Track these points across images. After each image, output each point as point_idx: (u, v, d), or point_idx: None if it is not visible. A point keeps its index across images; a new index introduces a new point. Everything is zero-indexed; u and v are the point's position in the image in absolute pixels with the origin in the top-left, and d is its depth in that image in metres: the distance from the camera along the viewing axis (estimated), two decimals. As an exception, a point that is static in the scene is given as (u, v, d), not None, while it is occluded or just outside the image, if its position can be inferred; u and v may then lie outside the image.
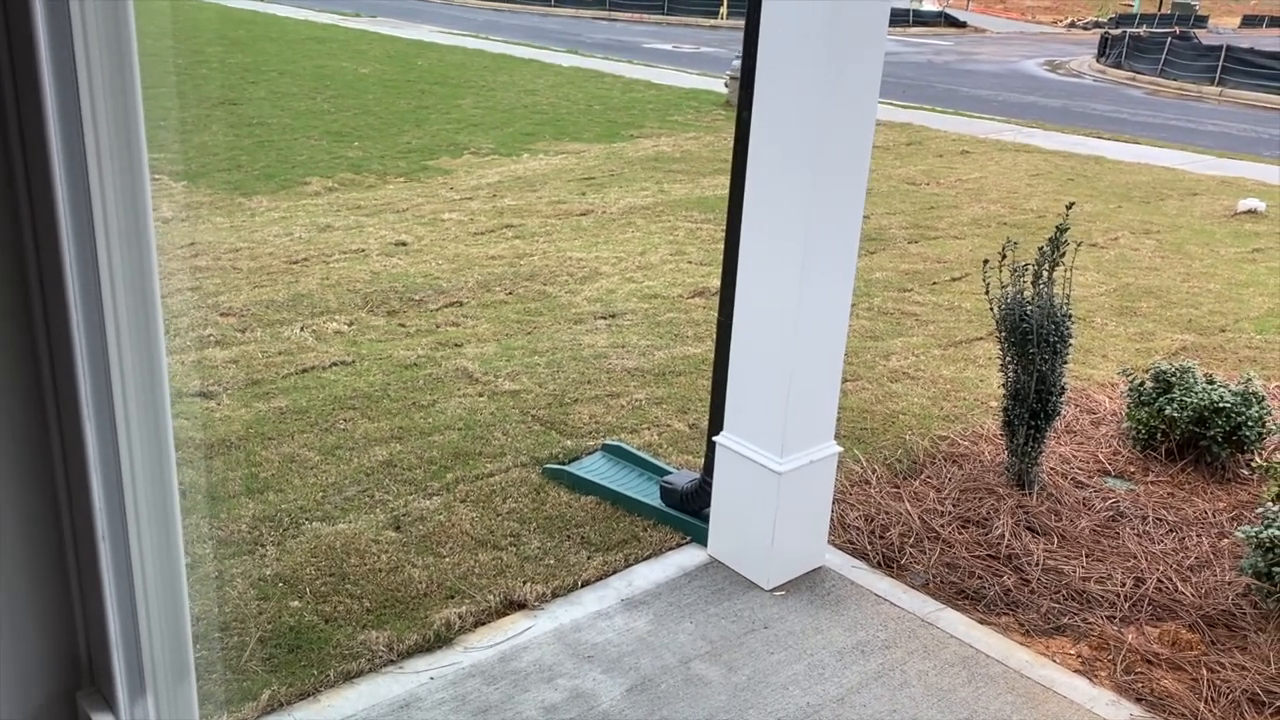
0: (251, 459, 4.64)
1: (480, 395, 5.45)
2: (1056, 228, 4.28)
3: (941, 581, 4.06)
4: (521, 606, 3.77)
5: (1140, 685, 3.53)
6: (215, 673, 3.29)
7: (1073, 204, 4.68)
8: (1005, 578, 4.06)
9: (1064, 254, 4.29)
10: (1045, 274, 4.30)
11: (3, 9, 0.98)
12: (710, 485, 4.12)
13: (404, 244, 8.27)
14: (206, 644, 3.42)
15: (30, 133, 1.00)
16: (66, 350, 1.02)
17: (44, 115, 0.99)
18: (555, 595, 3.84)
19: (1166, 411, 4.93)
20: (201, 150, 11.48)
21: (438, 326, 6.46)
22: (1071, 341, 4.46)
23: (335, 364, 5.75)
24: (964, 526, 4.39)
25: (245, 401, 5.22)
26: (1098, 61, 31.24)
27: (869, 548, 4.24)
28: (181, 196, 9.56)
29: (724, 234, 3.94)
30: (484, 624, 3.66)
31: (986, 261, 4.54)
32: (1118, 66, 29.62)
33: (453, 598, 3.76)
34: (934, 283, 7.96)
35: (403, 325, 6.45)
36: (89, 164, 0.99)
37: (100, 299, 1.03)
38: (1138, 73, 28.51)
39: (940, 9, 47.21)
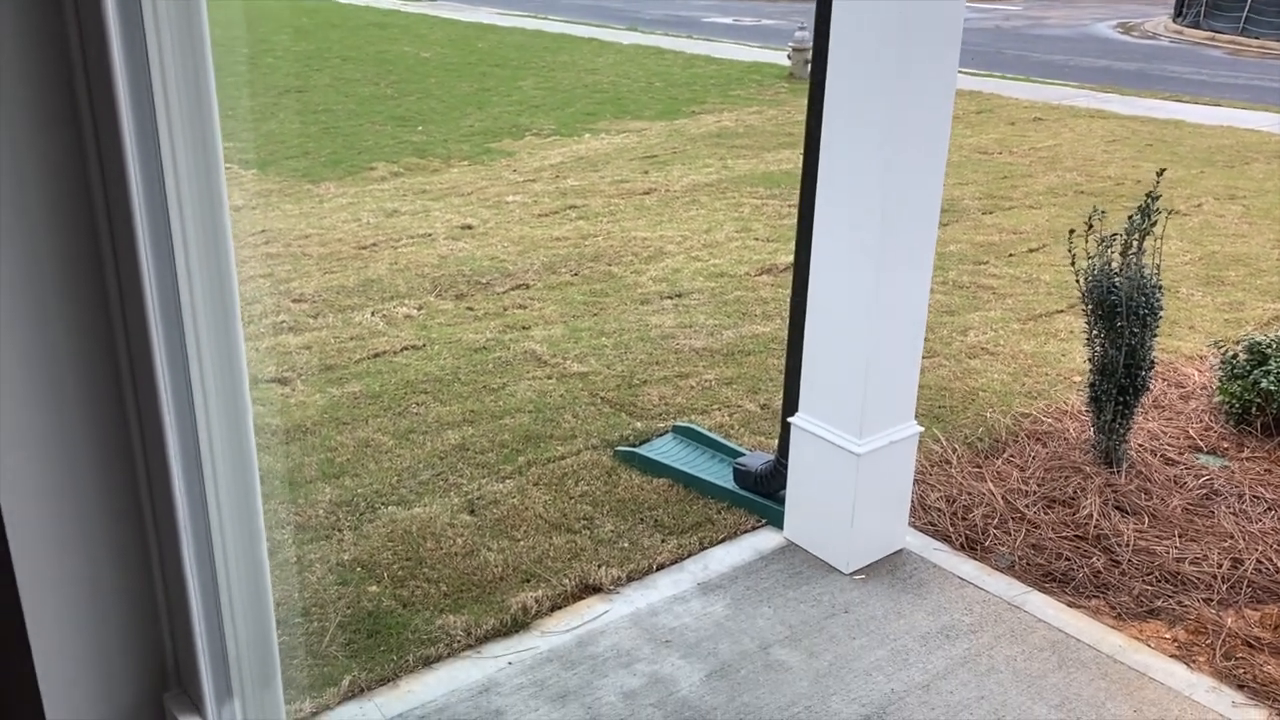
0: (327, 444, 4.68)
1: (549, 378, 5.43)
2: (1147, 195, 4.10)
3: (1028, 564, 3.94)
4: (597, 590, 3.74)
5: (1242, 671, 3.38)
6: (297, 658, 3.32)
7: (1164, 170, 4.48)
8: (1094, 559, 3.93)
9: (1155, 223, 4.11)
10: (1136, 244, 4.13)
11: (74, 5, 0.95)
12: (785, 467, 4.04)
13: (470, 227, 8.28)
14: (287, 629, 3.45)
15: (105, 130, 0.96)
16: (145, 349, 0.99)
17: (117, 112, 0.95)
18: (630, 579, 3.80)
19: (1262, 385, 4.72)
20: (270, 138, 11.63)
21: (505, 309, 6.45)
22: (1161, 314, 4.28)
23: (406, 348, 5.77)
24: (1050, 506, 4.26)
25: (319, 387, 5.26)
26: (1174, 21, 30.10)
27: (951, 529, 4.13)
28: (251, 184, 9.69)
29: (791, 209, 3.85)
30: (560, 608, 3.64)
31: (1073, 232, 4.37)
32: (1196, 26, 28.51)
33: (528, 581, 3.74)
34: (1010, 254, 7.74)
35: (471, 309, 6.46)
36: (163, 158, 0.95)
37: (177, 290, 0.99)
38: (1217, 32, 27.40)
39: (1007, -27, 45.83)
